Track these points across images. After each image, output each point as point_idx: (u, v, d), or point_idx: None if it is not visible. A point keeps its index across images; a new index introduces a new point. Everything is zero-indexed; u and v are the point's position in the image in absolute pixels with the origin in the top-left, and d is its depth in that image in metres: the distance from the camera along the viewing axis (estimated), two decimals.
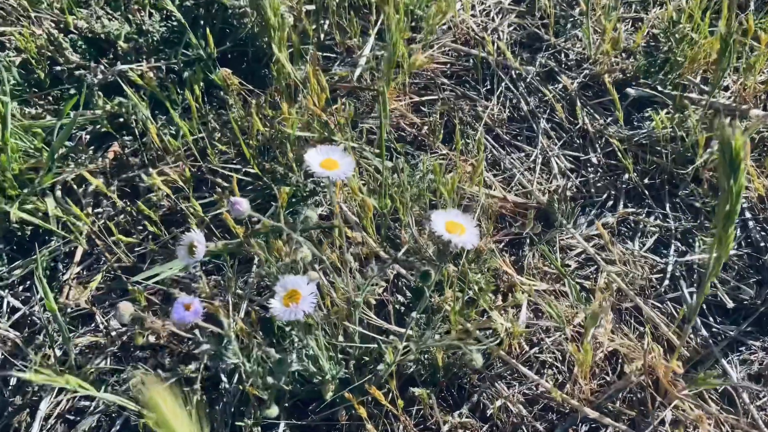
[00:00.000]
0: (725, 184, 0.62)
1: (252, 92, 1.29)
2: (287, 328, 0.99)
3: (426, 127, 1.25)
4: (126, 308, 0.76)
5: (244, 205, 0.78)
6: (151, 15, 1.37)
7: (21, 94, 1.31)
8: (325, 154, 0.83)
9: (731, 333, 1.02)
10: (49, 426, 0.99)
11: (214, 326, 0.84)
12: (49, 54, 1.33)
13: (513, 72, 1.32)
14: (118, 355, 1.04)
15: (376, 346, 0.96)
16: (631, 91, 1.26)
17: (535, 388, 0.99)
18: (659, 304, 1.06)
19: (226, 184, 1.17)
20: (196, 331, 0.80)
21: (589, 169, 1.21)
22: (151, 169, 1.07)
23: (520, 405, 0.97)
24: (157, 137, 1.15)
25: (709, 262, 0.71)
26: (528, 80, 1.31)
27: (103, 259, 1.13)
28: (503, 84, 1.31)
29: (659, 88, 1.26)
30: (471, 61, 1.34)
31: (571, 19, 1.38)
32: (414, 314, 0.83)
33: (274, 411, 0.80)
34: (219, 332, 0.82)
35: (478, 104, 1.29)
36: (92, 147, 1.25)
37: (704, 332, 1.03)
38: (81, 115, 1.25)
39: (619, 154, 1.18)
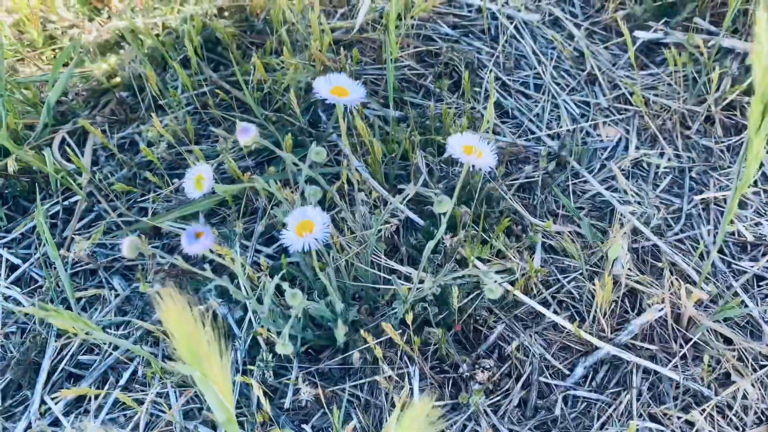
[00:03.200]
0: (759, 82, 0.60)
1: (252, 44, 1.26)
2: (297, 272, 0.96)
3: (431, 77, 1.22)
4: (133, 242, 0.73)
5: (252, 130, 0.75)
6: None
7: (15, 54, 1.27)
8: (335, 82, 0.80)
9: (752, 268, 1.00)
10: (54, 381, 0.95)
11: (224, 265, 0.81)
12: (42, 13, 1.30)
13: (518, 20, 1.30)
14: (122, 309, 1.01)
15: (389, 287, 0.93)
16: (640, 33, 1.23)
17: (552, 328, 0.96)
18: (676, 243, 1.03)
19: (229, 135, 1.14)
20: (206, 266, 0.77)
21: (599, 114, 1.19)
22: (153, 116, 1.03)
23: (539, 345, 0.94)
24: (156, 87, 1.12)
25: (737, 173, 0.68)
26: (533, 28, 1.29)
27: (104, 214, 1.10)
28: (508, 32, 1.28)
29: (669, 30, 1.24)
30: (473, 10, 1.31)
31: None
32: (429, 243, 0.81)
33: (288, 347, 0.77)
34: (229, 267, 0.79)
35: (482, 52, 1.26)
36: (90, 104, 1.22)
37: (723, 268, 1.01)
38: (77, 74, 1.21)
39: (628, 96, 1.15)
